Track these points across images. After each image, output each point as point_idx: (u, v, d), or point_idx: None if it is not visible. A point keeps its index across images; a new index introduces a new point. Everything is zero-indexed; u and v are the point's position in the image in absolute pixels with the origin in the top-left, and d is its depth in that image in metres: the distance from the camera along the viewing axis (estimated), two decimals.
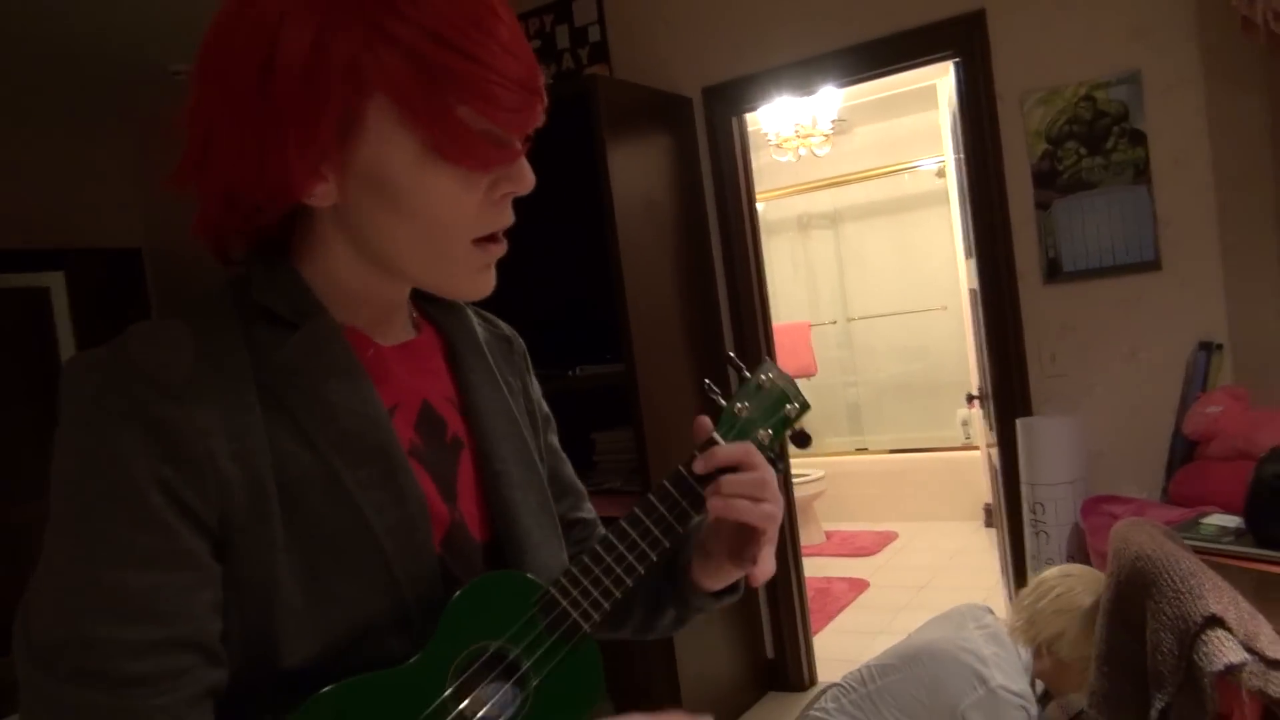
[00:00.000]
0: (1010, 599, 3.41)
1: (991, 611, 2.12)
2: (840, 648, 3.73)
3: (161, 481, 0.62)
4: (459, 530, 0.76)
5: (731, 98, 3.20)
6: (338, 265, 0.73)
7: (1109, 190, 2.70)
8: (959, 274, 5.06)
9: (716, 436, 0.81)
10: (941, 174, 5.48)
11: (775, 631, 3.39)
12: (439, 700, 0.68)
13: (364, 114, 0.66)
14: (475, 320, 0.88)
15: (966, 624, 2.03)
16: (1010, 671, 1.90)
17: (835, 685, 2.07)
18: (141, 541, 0.62)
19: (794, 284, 6.19)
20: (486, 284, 0.74)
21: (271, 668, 0.66)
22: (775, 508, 0.78)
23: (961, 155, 3.51)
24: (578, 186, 2.93)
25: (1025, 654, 1.98)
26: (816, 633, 3.67)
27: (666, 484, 0.79)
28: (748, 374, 0.86)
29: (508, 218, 0.73)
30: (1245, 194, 2.52)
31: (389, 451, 0.71)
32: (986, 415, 3.52)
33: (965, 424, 5.46)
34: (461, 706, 0.69)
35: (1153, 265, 2.67)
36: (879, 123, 5.84)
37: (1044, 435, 2.75)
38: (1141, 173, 2.65)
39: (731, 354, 0.90)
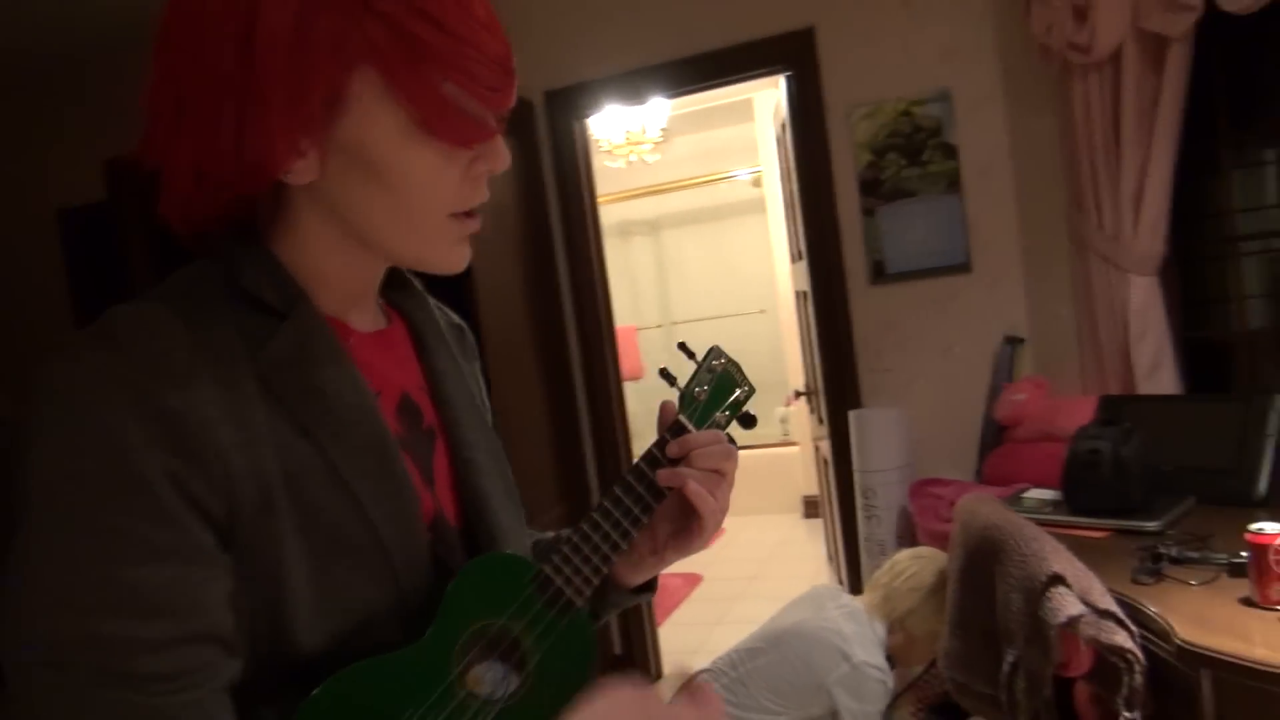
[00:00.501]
0: (837, 583, 3.63)
1: (846, 592, 2.26)
2: (681, 640, 3.85)
3: (171, 474, 0.59)
4: (441, 517, 0.76)
5: (574, 102, 3.24)
6: (313, 246, 0.71)
7: (926, 198, 2.94)
8: (776, 278, 5.34)
9: (684, 420, 0.84)
10: (757, 183, 5.75)
11: (623, 628, 3.44)
12: (447, 681, 0.68)
13: (348, 88, 0.65)
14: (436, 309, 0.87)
15: (826, 605, 2.16)
16: (869, 647, 2.04)
17: (705, 670, 2.15)
18: (155, 536, 0.58)
19: (618, 289, 6.29)
20: (463, 257, 0.74)
21: (279, 658, 0.64)
22: (729, 488, 0.83)
23: (784, 165, 3.72)
24: None
25: (880, 629, 2.13)
26: (658, 626, 3.76)
27: (642, 465, 0.81)
28: (699, 359, 0.90)
29: (483, 194, 0.73)
30: (1041, 203, 2.82)
31: (383, 441, 0.70)
32: (815, 410, 3.73)
33: (784, 421, 5.75)
34: (468, 684, 0.69)
35: (964, 268, 2.93)
36: (697, 133, 6.06)
37: (874, 425, 2.96)
38: (954, 183, 2.91)
39: (682, 342, 0.94)
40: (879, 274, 3.01)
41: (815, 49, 2.98)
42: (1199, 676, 1.43)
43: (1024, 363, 2.89)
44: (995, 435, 2.85)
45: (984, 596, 1.74)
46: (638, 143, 5.00)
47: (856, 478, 2.99)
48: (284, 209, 0.71)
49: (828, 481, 3.63)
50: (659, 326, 6.33)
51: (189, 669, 0.58)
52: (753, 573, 4.65)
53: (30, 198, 3.69)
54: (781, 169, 3.98)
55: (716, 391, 0.88)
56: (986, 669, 1.74)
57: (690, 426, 0.84)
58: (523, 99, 3.22)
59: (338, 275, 0.73)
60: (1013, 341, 2.89)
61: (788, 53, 3.03)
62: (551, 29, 3.26)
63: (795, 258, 3.81)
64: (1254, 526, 1.50)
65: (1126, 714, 1.54)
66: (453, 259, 0.73)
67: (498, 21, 0.69)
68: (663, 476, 0.80)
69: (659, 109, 4.89)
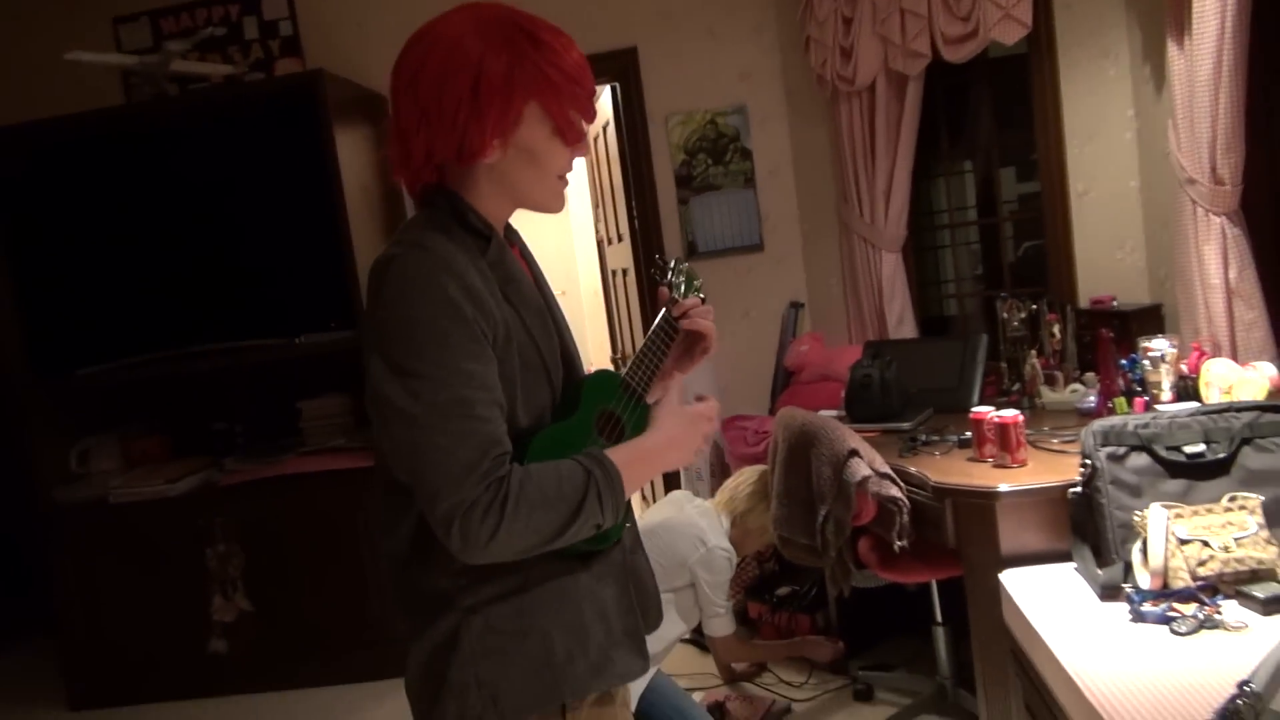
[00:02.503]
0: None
1: (697, 495, 2.89)
2: None
3: (474, 317, 1.08)
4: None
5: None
6: (486, 199, 1.20)
7: (728, 192, 3.65)
8: (578, 262, 5.94)
9: (675, 296, 1.39)
10: None
11: None
12: (592, 434, 1.22)
13: (523, 112, 1.16)
14: None
15: (684, 505, 2.77)
16: (718, 534, 2.67)
17: None
18: (474, 348, 1.07)
19: None
20: (564, 203, 1.27)
21: (510, 429, 1.13)
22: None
23: (599, 160, 4.31)
24: (300, 170, 3.22)
25: (725, 522, 2.76)
26: None
27: (660, 321, 1.36)
28: (673, 262, 1.45)
29: (572, 166, 1.26)
30: (815, 198, 3.61)
31: (543, 308, 1.22)
32: None
33: None
34: (602, 439, 1.23)
35: (758, 248, 3.66)
36: None
37: (690, 376, 3.61)
38: (749, 180, 3.63)
39: (658, 255, 1.50)
40: (692, 252, 3.68)
41: (638, 65, 3.60)
42: (944, 506, 2.18)
43: (804, 322, 3.67)
44: (784, 379, 3.61)
45: (802, 474, 2.43)
46: None
47: None
48: (470, 178, 1.20)
49: None
50: None
51: (496, 418, 1.08)
52: None
53: None
54: (595, 164, 4.57)
55: (689, 281, 1.44)
56: (805, 525, 2.42)
57: (679, 299, 1.39)
58: (378, 93, 3.62)
59: (493, 217, 1.22)
60: (796, 305, 3.65)
61: (615, 67, 3.63)
62: (396, 27, 3.64)
63: (612, 240, 4.41)
64: (974, 409, 2.27)
65: (899, 543, 2.26)
66: (560, 204, 1.26)
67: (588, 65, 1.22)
68: (685, 323, 1.36)
69: None
